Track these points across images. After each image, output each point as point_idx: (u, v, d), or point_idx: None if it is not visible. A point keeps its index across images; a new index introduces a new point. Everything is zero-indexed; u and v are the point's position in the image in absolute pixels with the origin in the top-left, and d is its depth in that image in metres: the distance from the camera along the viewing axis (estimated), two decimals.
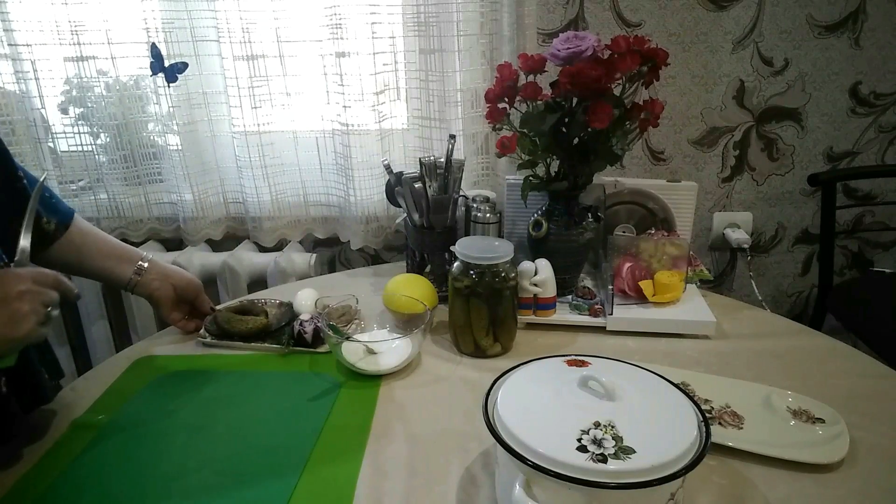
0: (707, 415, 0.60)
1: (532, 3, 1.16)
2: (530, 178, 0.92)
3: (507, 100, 0.88)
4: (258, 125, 1.23)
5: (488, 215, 1.03)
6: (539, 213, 0.94)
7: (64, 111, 1.25)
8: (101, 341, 1.36)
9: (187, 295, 0.89)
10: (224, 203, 1.35)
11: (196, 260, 1.30)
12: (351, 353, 0.80)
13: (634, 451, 0.45)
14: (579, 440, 0.46)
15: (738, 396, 0.70)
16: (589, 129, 0.84)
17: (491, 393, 0.55)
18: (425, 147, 1.26)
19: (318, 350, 0.85)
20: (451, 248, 0.84)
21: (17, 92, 1.20)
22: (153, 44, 1.17)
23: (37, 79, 1.20)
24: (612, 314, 0.89)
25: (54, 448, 0.66)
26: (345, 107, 1.20)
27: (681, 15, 1.25)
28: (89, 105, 1.24)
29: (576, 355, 0.60)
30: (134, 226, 1.34)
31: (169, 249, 1.36)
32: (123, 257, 0.86)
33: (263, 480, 0.61)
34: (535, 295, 0.88)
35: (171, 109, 1.23)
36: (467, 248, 0.81)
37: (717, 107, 1.32)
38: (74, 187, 1.30)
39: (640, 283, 0.92)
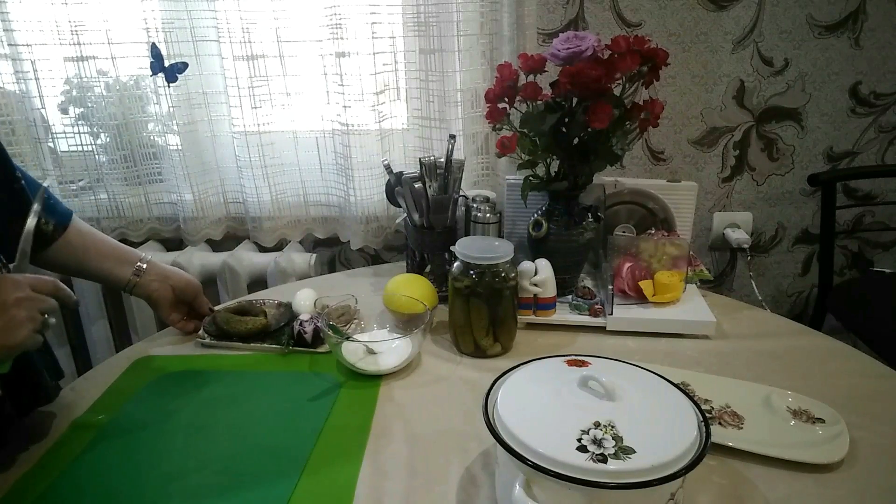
0: (707, 415, 0.60)
1: (532, 3, 1.16)
2: (530, 178, 0.92)
3: (507, 100, 0.88)
4: (258, 125, 1.23)
5: (488, 215, 1.03)
6: (539, 213, 0.94)
7: (64, 111, 1.25)
8: (101, 341, 1.36)
9: (186, 296, 0.89)
10: (224, 203, 1.35)
11: (196, 260, 1.30)
12: (351, 353, 0.80)
13: (634, 451, 0.45)
14: (579, 440, 0.46)
15: (738, 396, 0.70)
16: (589, 129, 0.84)
17: (491, 393, 0.55)
18: (425, 147, 1.26)
19: (318, 350, 0.85)
20: (451, 248, 0.84)
21: (17, 92, 1.20)
22: (153, 44, 1.17)
23: (37, 79, 1.20)
24: (612, 314, 0.89)
25: (54, 448, 0.66)
26: (345, 107, 1.20)
27: (681, 15, 1.25)
28: (89, 105, 1.24)
29: (576, 355, 0.60)
30: (134, 226, 1.34)
31: (169, 249, 1.36)
32: (122, 258, 0.86)
33: (263, 480, 0.61)
34: (535, 295, 0.88)
35: (171, 109, 1.23)
36: (467, 248, 0.81)
37: (717, 107, 1.32)
38: (74, 187, 1.30)
39: (640, 283, 0.92)
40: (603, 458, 0.44)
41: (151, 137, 1.30)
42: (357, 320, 0.92)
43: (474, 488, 0.59)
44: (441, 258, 1.01)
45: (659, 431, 0.48)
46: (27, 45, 1.18)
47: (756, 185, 1.39)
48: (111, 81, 1.23)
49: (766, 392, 0.70)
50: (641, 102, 0.86)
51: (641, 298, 0.92)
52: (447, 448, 0.65)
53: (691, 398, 0.52)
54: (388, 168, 1.03)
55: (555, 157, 0.90)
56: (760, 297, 1.43)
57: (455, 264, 0.83)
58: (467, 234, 1.05)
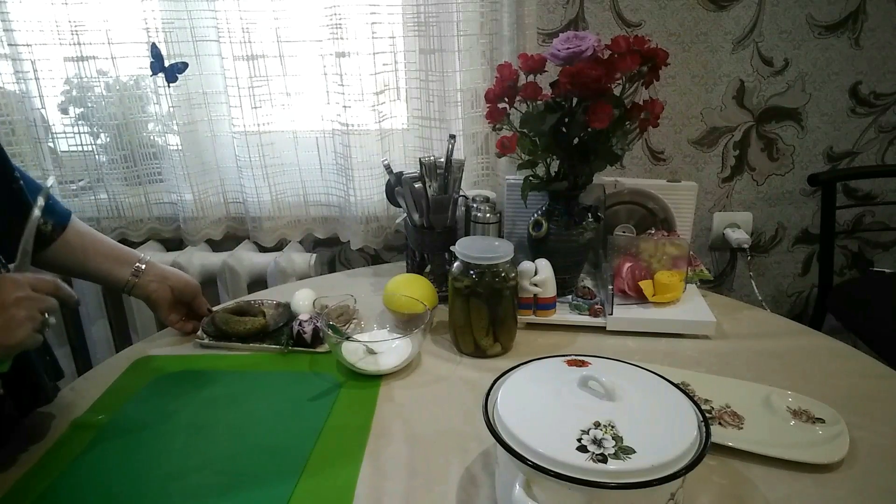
0: (707, 415, 0.60)
1: (532, 3, 1.16)
2: (530, 178, 0.92)
3: (507, 100, 0.88)
4: (258, 125, 1.23)
5: (488, 215, 1.03)
6: (539, 213, 0.94)
7: (64, 111, 1.25)
8: (101, 341, 1.36)
9: (185, 296, 0.89)
10: (224, 203, 1.35)
11: (196, 260, 1.30)
12: (351, 353, 0.80)
13: (634, 451, 0.45)
14: (579, 440, 0.46)
15: (738, 396, 0.70)
16: (589, 129, 0.84)
17: (491, 393, 0.55)
18: (425, 147, 1.26)
19: (318, 350, 0.85)
20: (451, 248, 0.84)
21: (17, 92, 1.20)
22: (153, 44, 1.17)
23: (37, 79, 1.20)
24: (612, 314, 0.89)
25: (54, 448, 0.66)
26: (345, 107, 1.20)
27: (681, 15, 1.25)
28: (89, 105, 1.24)
29: (576, 355, 0.60)
30: (134, 226, 1.34)
31: (169, 249, 1.36)
32: (121, 259, 0.86)
33: (263, 481, 0.61)
34: (535, 295, 0.88)
35: (171, 109, 1.23)
36: (467, 248, 0.81)
37: (717, 107, 1.32)
38: (74, 187, 1.30)
39: (640, 283, 0.92)
40: (603, 458, 0.44)
41: (151, 137, 1.30)
42: (356, 320, 0.92)
43: (474, 488, 0.59)
44: (441, 258, 1.01)
45: (659, 431, 0.48)
46: (27, 45, 1.18)
47: (756, 185, 1.39)
48: (111, 81, 1.23)
49: (766, 392, 0.70)
50: (641, 102, 0.86)
51: (641, 298, 0.92)
52: (447, 448, 0.65)
53: (691, 398, 0.52)
54: (388, 168, 1.03)
55: (555, 157, 0.90)
56: (760, 297, 1.43)
57: (455, 264, 0.83)
58: (467, 234, 1.05)
